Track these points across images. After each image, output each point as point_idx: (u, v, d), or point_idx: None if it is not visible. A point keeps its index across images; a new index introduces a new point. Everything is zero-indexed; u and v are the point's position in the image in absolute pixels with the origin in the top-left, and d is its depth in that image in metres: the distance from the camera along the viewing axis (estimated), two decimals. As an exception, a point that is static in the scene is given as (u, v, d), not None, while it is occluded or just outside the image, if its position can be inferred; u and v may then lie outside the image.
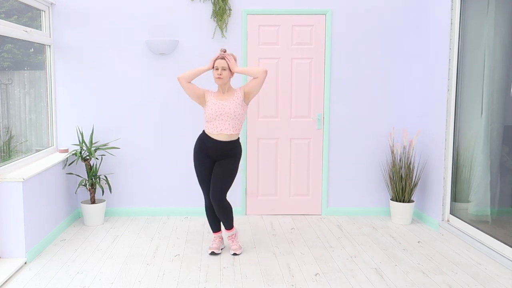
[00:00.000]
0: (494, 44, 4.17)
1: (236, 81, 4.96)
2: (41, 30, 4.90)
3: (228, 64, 3.96)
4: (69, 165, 4.91)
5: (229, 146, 3.99)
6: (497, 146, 4.20)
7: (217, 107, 3.94)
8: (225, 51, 4.04)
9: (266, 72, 3.99)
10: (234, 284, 3.49)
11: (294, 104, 5.19)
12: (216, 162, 4.04)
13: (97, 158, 5.03)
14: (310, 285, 3.48)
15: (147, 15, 5.05)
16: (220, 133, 3.95)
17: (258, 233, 4.67)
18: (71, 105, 5.11)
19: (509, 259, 3.75)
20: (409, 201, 4.97)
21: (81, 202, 4.93)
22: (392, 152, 5.01)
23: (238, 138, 4.07)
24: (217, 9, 4.99)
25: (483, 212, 4.33)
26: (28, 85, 4.98)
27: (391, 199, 5.05)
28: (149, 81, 5.12)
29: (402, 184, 4.92)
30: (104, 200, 5.02)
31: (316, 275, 3.66)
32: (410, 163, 4.91)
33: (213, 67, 4.02)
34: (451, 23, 4.57)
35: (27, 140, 4.92)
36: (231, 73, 4.02)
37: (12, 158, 4.40)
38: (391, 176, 5.00)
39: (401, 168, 4.93)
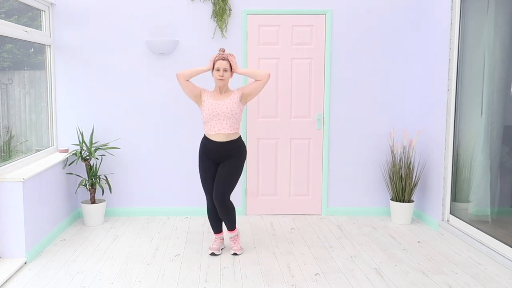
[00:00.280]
0: (494, 44, 4.17)
1: (236, 82, 4.96)
2: (41, 30, 4.90)
3: (229, 65, 3.95)
4: (69, 165, 4.91)
5: (230, 146, 3.96)
6: (497, 146, 4.20)
7: (213, 107, 3.92)
8: (224, 51, 4.03)
9: (269, 75, 4.00)
10: (234, 284, 3.49)
11: (294, 104, 5.19)
12: (220, 164, 4.02)
13: (97, 158, 5.03)
14: (310, 285, 3.48)
15: (147, 15, 5.05)
16: (218, 133, 3.94)
17: (258, 233, 4.67)
18: (71, 105, 5.11)
19: (509, 259, 3.75)
20: (409, 201, 4.97)
21: (81, 202, 4.93)
22: (392, 152, 5.01)
23: (240, 137, 4.04)
24: (217, 9, 4.99)
25: (483, 212, 4.33)
26: (28, 85, 4.98)
27: (391, 199, 5.05)
28: (149, 81, 5.12)
29: (402, 184, 4.92)
30: (104, 200, 5.02)
31: (316, 275, 3.66)
32: (410, 163, 4.91)
33: (213, 68, 4.00)
34: (451, 23, 4.57)
35: (27, 140, 4.93)
36: (232, 73, 4.02)
37: (12, 158, 4.40)
38: (391, 176, 5.00)
39: (401, 168, 4.93)
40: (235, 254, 4.09)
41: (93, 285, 3.47)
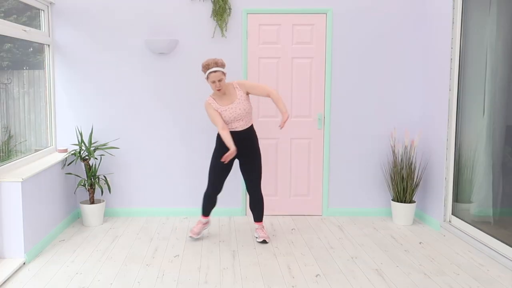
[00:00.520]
0: (496, 43, 4.14)
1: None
2: (40, 29, 4.88)
3: (222, 72, 4.09)
4: (68, 165, 4.89)
5: (247, 132, 4.28)
6: (499, 146, 4.18)
7: (228, 113, 4.16)
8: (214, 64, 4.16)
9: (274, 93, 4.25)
10: (234, 285, 3.47)
11: (295, 104, 5.17)
12: (240, 158, 4.28)
13: (96, 158, 5.01)
14: (310, 286, 3.46)
15: (146, 14, 5.03)
16: (235, 130, 4.24)
17: (258, 234, 4.64)
18: (70, 105, 5.09)
19: (511, 261, 3.72)
20: (411, 201, 4.95)
21: (80, 202, 4.91)
22: (393, 152, 4.98)
23: (252, 125, 4.36)
24: (217, 8, 4.97)
25: (485, 213, 4.30)
26: (27, 84, 4.96)
27: (392, 200, 5.02)
28: (149, 80, 5.10)
29: (404, 185, 4.90)
30: (103, 200, 5.00)
31: (316, 276, 3.64)
32: (411, 163, 4.89)
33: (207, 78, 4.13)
34: (453, 22, 4.54)
35: (26, 140, 4.90)
36: (225, 75, 4.15)
37: (11, 158, 4.38)
38: (392, 177, 4.97)
39: (402, 168, 4.91)
40: (264, 241, 4.32)
41: (92, 286, 3.44)
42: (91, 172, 4.86)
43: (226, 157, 4.06)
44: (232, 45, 5.06)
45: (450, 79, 4.58)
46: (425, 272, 3.72)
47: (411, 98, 5.19)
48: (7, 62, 4.67)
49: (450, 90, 4.59)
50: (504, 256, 3.80)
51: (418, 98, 5.18)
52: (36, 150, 4.81)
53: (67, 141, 5.11)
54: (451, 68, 4.57)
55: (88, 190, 4.88)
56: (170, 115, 5.14)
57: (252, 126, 4.34)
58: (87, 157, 4.85)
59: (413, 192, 4.92)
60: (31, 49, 4.97)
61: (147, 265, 3.85)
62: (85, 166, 4.88)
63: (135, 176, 5.19)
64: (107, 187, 5.07)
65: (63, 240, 4.45)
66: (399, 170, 4.90)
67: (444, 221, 4.71)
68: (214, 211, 5.19)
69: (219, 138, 4.30)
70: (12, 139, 4.55)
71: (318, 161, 5.24)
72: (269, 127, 5.18)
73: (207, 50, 5.05)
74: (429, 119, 4.98)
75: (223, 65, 4.13)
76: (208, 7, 5.03)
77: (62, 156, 4.81)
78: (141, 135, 5.15)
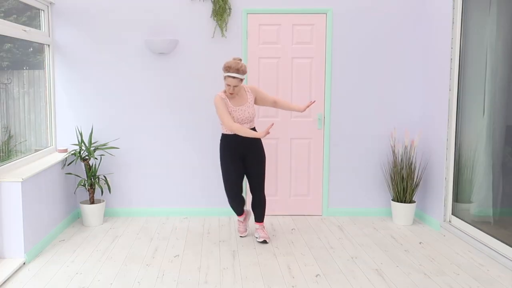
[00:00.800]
0: (496, 43, 4.14)
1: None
2: (40, 29, 4.88)
3: (240, 79, 4.10)
4: (68, 165, 4.88)
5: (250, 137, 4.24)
6: (499, 146, 4.17)
7: (238, 114, 4.18)
8: (240, 60, 4.20)
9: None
10: (234, 285, 3.47)
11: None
12: (246, 157, 4.29)
13: (96, 158, 5.01)
14: (310, 286, 3.45)
15: (146, 14, 5.02)
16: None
17: (258, 234, 4.64)
18: (70, 105, 5.09)
19: (511, 261, 3.72)
20: (411, 201, 4.94)
21: (80, 202, 4.91)
22: (393, 152, 4.98)
23: (254, 127, 4.40)
24: (217, 8, 4.97)
25: (485, 213, 4.30)
26: (27, 84, 4.96)
27: (392, 200, 5.02)
28: (149, 80, 5.10)
29: (404, 185, 4.89)
30: (103, 200, 5.00)
31: (316, 276, 3.64)
32: (411, 163, 4.88)
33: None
34: (453, 22, 4.54)
35: (26, 140, 4.90)
36: (241, 82, 4.15)
37: (11, 158, 4.38)
38: (392, 177, 4.97)
39: (402, 168, 4.90)
40: (264, 241, 4.35)
41: (92, 286, 3.44)
42: (91, 172, 4.86)
43: (268, 129, 3.97)
44: (232, 45, 5.06)
45: (450, 79, 4.58)
46: (425, 272, 3.72)
47: (411, 98, 5.19)
48: (7, 62, 4.67)
49: (450, 90, 4.59)
50: (504, 256, 3.80)
51: (418, 98, 5.17)
52: (36, 150, 4.81)
53: (67, 141, 5.11)
54: (451, 68, 4.57)
55: (88, 190, 4.88)
56: (170, 115, 5.14)
57: (255, 128, 4.36)
58: (87, 157, 4.85)
59: (413, 192, 4.92)
60: (31, 49, 4.96)
61: (147, 265, 3.85)
62: (85, 166, 4.88)
63: (135, 176, 5.19)
64: (107, 187, 5.07)
65: (63, 240, 4.45)
66: (399, 170, 4.90)
67: (444, 221, 4.71)
68: (214, 211, 5.20)
69: (222, 143, 4.29)
70: (12, 139, 4.55)
71: (318, 161, 5.23)
72: (269, 127, 5.18)
73: (207, 50, 5.05)
74: (429, 119, 4.98)
75: (244, 72, 4.10)
76: (208, 7, 5.03)
77: (62, 156, 4.81)
78: (141, 135, 5.15)
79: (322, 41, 5.11)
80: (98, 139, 5.11)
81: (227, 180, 4.31)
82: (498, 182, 4.17)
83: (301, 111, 4.32)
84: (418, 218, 5.16)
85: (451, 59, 4.56)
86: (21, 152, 4.72)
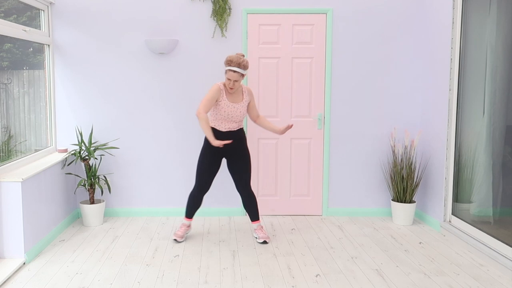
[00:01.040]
0: (496, 43, 4.14)
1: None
2: (40, 29, 4.88)
3: (241, 75, 4.10)
4: (68, 165, 4.88)
5: (238, 133, 4.29)
6: (499, 146, 4.17)
7: (230, 110, 4.18)
8: (243, 56, 4.22)
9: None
10: (234, 285, 3.47)
11: (295, 104, 5.17)
12: (229, 157, 4.29)
13: (96, 158, 5.01)
14: (310, 286, 3.45)
15: (146, 14, 5.02)
16: (228, 130, 4.25)
17: (258, 234, 4.64)
18: (70, 105, 5.09)
19: (511, 260, 3.72)
20: (411, 201, 4.94)
21: (80, 203, 4.91)
22: (393, 152, 4.98)
23: (243, 127, 4.40)
24: (217, 8, 4.97)
25: (485, 213, 4.30)
26: (27, 84, 4.96)
27: (392, 200, 5.02)
28: (149, 80, 5.10)
29: (404, 185, 4.89)
30: (103, 200, 5.00)
31: (316, 276, 3.64)
32: (411, 163, 4.88)
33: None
34: (453, 22, 4.54)
35: (26, 140, 4.90)
36: (243, 76, 4.15)
37: (11, 158, 4.38)
38: (392, 177, 4.97)
39: (402, 168, 4.90)
40: (264, 242, 4.33)
41: (92, 286, 3.44)
42: (91, 172, 4.86)
43: (221, 143, 3.99)
44: (232, 45, 5.06)
45: (450, 79, 4.58)
46: (425, 272, 3.72)
47: (411, 98, 5.19)
48: (7, 62, 4.67)
49: (450, 90, 4.59)
50: (504, 256, 3.79)
51: (418, 98, 5.17)
52: (36, 150, 4.81)
53: (67, 141, 5.11)
54: (451, 68, 4.57)
55: (88, 190, 4.88)
56: (170, 115, 5.14)
57: (242, 130, 4.36)
58: (87, 157, 4.85)
59: (413, 192, 4.92)
60: (31, 49, 4.96)
61: (147, 265, 3.85)
62: (85, 166, 4.88)
63: (135, 176, 5.19)
64: (107, 187, 5.07)
65: (63, 240, 4.45)
66: (399, 170, 4.90)
67: (444, 221, 4.70)
68: (214, 211, 5.20)
69: (205, 142, 4.29)
70: (12, 139, 4.55)
71: (318, 161, 5.23)
72: (269, 127, 5.18)
73: (207, 50, 5.05)
74: (429, 119, 4.98)
75: (245, 68, 4.10)
76: (208, 7, 5.03)
77: (62, 156, 4.81)
78: (141, 135, 5.15)
79: (322, 41, 5.11)
80: (98, 139, 5.11)
81: (198, 172, 4.30)
82: (498, 182, 4.17)
83: (279, 134, 4.28)
84: (418, 218, 5.16)
85: (451, 59, 4.56)
86: (21, 152, 4.72)
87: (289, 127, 4.17)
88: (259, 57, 5.10)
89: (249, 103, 4.32)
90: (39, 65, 5.02)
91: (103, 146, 4.96)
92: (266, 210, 5.27)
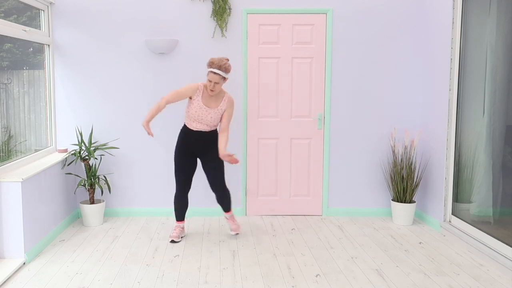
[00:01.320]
0: (496, 43, 4.14)
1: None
2: (40, 29, 4.88)
3: (222, 78, 4.12)
4: (68, 165, 4.88)
5: (210, 134, 4.26)
6: (499, 146, 4.17)
7: (201, 112, 4.18)
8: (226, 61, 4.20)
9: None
10: (234, 285, 3.47)
11: (295, 104, 5.17)
12: (201, 157, 4.32)
13: (96, 158, 5.01)
14: (310, 286, 3.45)
15: (146, 14, 5.02)
16: (198, 130, 4.26)
17: (258, 234, 4.64)
18: (70, 105, 5.09)
19: (511, 260, 3.72)
20: (411, 201, 4.94)
21: (80, 203, 4.90)
22: (393, 152, 4.98)
23: (216, 130, 4.34)
24: (217, 8, 4.97)
25: (485, 213, 4.30)
26: (27, 84, 4.96)
27: (392, 200, 5.02)
28: (149, 80, 5.10)
29: (404, 185, 4.89)
30: (103, 201, 5.00)
31: (316, 276, 3.64)
32: (411, 163, 4.88)
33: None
34: (453, 22, 4.54)
35: (26, 140, 4.90)
36: (225, 81, 4.18)
37: (11, 158, 4.38)
38: (392, 177, 4.97)
39: (402, 168, 4.90)
40: (236, 234, 4.46)
41: (92, 286, 3.44)
42: (91, 172, 4.86)
43: (148, 131, 4.01)
44: (232, 45, 5.06)
45: (450, 79, 4.58)
46: (425, 272, 3.72)
47: (411, 98, 5.19)
48: (7, 62, 4.67)
49: (450, 90, 4.59)
50: (504, 256, 3.79)
51: (418, 98, 5.17)
52: (36, 150, 4.81)
53: (67, 141, 5.11)
54: (451, 68, 4.57)
55: (88, 190, 4.88)
56: (170, 115, 5.14)
57: (215, 132, 4.31)
58: (87, 157, 4.85)
59: (413, 192, 4.92)
60: (31, 49, 4.96)
61: (147, 265, 3.85)
62: (85, 166, 4.88)
63: (135, 176, 5.19)
64: (107, 187, 5.07)
65: (63, 240, 4.45)
66: (399, 170, 4.90)
67: (444, 221, 4.70)
68: (214, 211, 5.20)
69: (180, 135, 4.34)
70: (12, 139, 4.55)
71: (318, 161, 5.23)
72: (269, 127, 5.18)
73: (207, 50, 5.05)
74: (429, 119, 4.98)
75: (226, 70, 4.12)
76: (208, 7, 5.03)
77: (62, 156, 4.81)
78: (141, 135, 5.14)
79: (322, 41, 5.11)
80: (98, 139, 5.11)
81: (175, 173, 4.36)
82: (498, 182, 4.17)
83: (219, 154, 4.14)
84: (418, 218, 5.16)
85: (451, 59, 4.56)
86: (21, 152, 4.72)
87: (233, 159, 4.05)
88: (259, 57, 5.10)
89: (224, 112, 4.25)
90: (39, 65, 5.02)
91: (103, 146, 4.96)
92: (266, 210, 5.28)
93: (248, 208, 5.26)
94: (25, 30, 4.36)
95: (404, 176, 4.88)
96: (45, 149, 4.87)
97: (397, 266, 3.83)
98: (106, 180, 4.97)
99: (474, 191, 4.44)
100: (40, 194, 4.22)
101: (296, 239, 4.50)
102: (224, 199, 4.42)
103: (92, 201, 4.89)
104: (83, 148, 4.86)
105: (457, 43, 4.53)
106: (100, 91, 5.09)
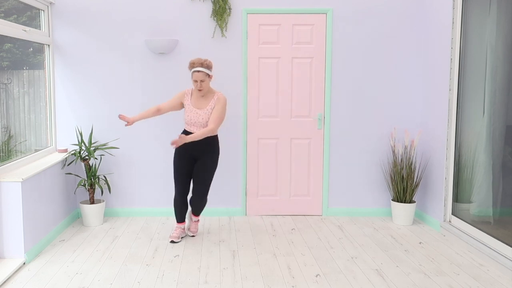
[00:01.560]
0: (496, 43, 4.14)
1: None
2: (40, 29, 4.88)
3: (206, 74, 4.15)
4: (68, 165, 4.88)
5: (206, 140, 4.21)
6: (499, 146, 4.17)
7: (192, 115, 4.23)
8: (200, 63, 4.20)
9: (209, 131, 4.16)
10: (234, 285, 3.47)
11: (295, 104, 5.17)
12: (197, 160, 4.31)
13: (96, 158, 5.01)
14: (310, 286, 3.45)
15: (146, 14, 5.02)
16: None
17: (258, 234, 4.64)
18: (70, 105, 5.09)
19: (511, 260, 3.72)
20: (411, 201, 4.94)
21: (80, 203, 4.91)
22: (393, 152, 4.98)
23: (216, 135, 4.32)
24: (217, 8, 4.97)
25: (485, 213, 4.30)
26: (27, 84, 4.96)
27: (392, 200, 5.02)
28: (149, 80, 5.10)
29: (404, 185, 4.89)
30: (103, 201, 5.00)
31: (316, 276, 3.64)
32: (411, 163, 4.88)
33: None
34: (453, 22, 4.54)
35: (26, 140, 4.90)
36: (210, 78, 4.20)
37: (11, 158, 4.38)
38: (392, 177, 4.97)
39: (402, 168, 4.90)
40: (193, 236, 4.52)
41: (92, 286, 3.44)
42: (91, 172, 4.86)
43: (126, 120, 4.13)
44: (232, 45, 5.06)
45: (450, 79, 4.58)
46: (425, 272, 3.72)
47: (411, 98, 5.19)
48: (7, 62, 4.67)
49: (450, 90, 4.59)
50: (504, 256, 3.79)
51: (418, 98, 5.17)
52: (36, 150, 4.81)
53: (67, 141, 5.11)
54: (451, 68, 4.57)
55: (88, 190, 4.88)
56: (170, 115, 5.13)
57: (215, 137, 4.30)
58: (87, 157, 4.85)
59: (413, 192, 4.92)
60: (31, 49, 4.96)
61: (147, 265, 3.85)
62: (85, 166, 4.88)
63: (135, 176, 5.19)
64: (107, 187, 5.07)
65: (63, 240, 4.45)
66: (399, 170, 4.90)
67: (444, 221, 4.70)
68: (214, 211, 5.20)
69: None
70: (12, 139, 4.55)
71: (318, 161, 5.23)
72: (269, 127, 5.18)
73: (207, 50, 5.05)
74: (429, 119, 4.97)
75: (209, 67, 4.18)
76: (208, 7, 5.03)
77: (62, 156, 4.81)
78: (141, 135, 5.15)
79: (322, 41, 5.11)
80: (98, 139, 5.11)
81: (173, 176, 4.40)
82: (498, 182, 4.17)
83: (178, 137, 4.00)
84: (418, 218, 5.16)
85: (451, 59, 4.56)
86: (21, 152, 4.72)
87: (180, 138, 3.91)
88: (259, 57, 5.10)
89: (213, 108, 4.22)
90: (39, 65, 5.02)
91: (103, 146, 4.96)
92: (266, 210, 5.28)
93: (248, 208, 5.26)
94: (25, 30, 4.36)
95: (404, 176, 4.88)
96: (45, 149, 4.87)
97: (397, 266, 3.83)
98: (106, 180, 4.98)
99: (474, 191, 4.44)
100: (40, 194, 4.22)
101: (296, 239, 4.50)
102: (199, 204, 4.43)
103: (92, 201, 4.89)
104: (83, 148, 4.86)
105: (457, 43, 4.53)
106: (100, 91, 5.09)
